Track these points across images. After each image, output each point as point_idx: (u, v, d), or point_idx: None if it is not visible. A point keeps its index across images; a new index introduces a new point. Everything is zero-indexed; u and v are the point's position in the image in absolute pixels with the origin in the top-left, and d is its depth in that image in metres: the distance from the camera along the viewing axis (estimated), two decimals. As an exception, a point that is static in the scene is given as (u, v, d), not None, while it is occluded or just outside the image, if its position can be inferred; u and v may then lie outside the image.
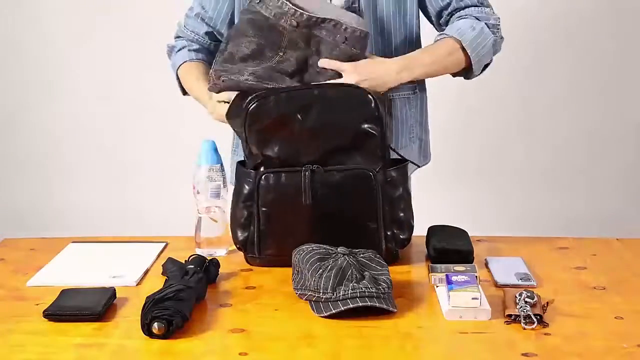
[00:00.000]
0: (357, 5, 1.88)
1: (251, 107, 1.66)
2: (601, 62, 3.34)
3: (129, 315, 1.49)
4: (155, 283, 1.63)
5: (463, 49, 1.86)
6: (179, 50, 2.02)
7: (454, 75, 1.95)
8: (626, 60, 3.34)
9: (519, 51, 3.31)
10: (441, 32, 1.91)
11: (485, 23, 1.90)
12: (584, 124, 3.38)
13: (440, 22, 1.97)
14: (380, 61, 1.81)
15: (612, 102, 3.38)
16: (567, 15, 3.31)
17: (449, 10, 1.93)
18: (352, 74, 1.73)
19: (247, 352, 1.35)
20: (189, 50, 2.01)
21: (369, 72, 1.75)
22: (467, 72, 1.92)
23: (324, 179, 1.66)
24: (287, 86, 1.70)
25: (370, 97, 1.67)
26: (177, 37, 2.06)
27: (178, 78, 2.03)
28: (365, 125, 1.67)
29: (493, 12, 1.95)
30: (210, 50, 2.02)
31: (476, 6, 1.93)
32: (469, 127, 3.39)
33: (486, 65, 1.94)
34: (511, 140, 3.41)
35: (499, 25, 1.94)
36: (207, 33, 2.01)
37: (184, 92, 2.04)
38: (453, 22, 1.92)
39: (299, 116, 1.66)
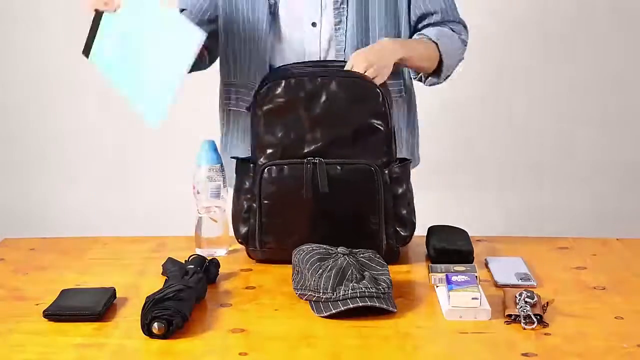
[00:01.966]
0: (345, 5, 1.88)
1: (260, 89, 1.69)
2: (601, 59, 3.34)
3: (129, 315, 1.49)
4: (156, 283, 1.64)
5: (439, 54, 1.92)
6: None
7: (417, 78, 2.02)
8: (628, 58, 3.34)
9: (517, 48, 3.32)
10: (420, 33, 1.96)
11: (459, 37, 1.99)
12: (584, 124, 3.38)
13: (417, 27, 1.99)
14: (377, 44, 1.83)
15: (612, 101, 3.38)
16: (565, 12, 3.31)
17: (433, 20, 1.97)
18: (360, 61, 1.73)
19: (247, 352, 1.35)
20: None
21: (374, 55, 1.75)
22: (432, 76, 1.98)
23: (326, 172, 1.66)
24: (300, 71, 1.71)
25: (378, 90, 1.68)
26: None
27: None
28: (371, 120, 1.68)
29: (466, 30, 2.03)
30: None
31: (454, 22, 2.00)
32: (470, 127, 3.39)
33: (447, 76, 2.01)
34: (512, 140, 3.41)
35: (467, 42, 2.03)
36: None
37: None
38: (432, 28, 1.97)
39: (304, 103, 1.67)
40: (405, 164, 1.74)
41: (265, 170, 1.69)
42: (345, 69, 1.74)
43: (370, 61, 1.74)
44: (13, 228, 2.76)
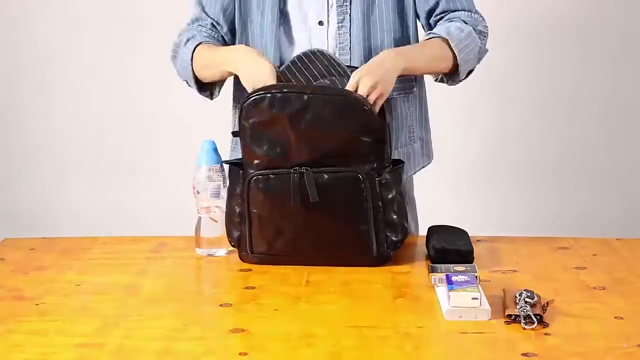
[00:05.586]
0: (347, 3, 1.88)
1: (246, 102, 1.67)
2: (605, 60, 3.33)
3: (129, 315, 1.49)
4: (156, 283, 1.64)
5: (451, 50, 1.87)
6: (187, 42, 1.93)
7: (439, 79, 1.98)
8: (632, 59, 3.33)
9: (523, 48, 3.31)
10: (429, 32, 1.92)
11: (473, 28, 1.91)
12: (585, 125, 3.38)
13: (429, 22, 1.97)
14: (377, 57, 1.77)
15: (614, 103, 3.38)
16: (574, 12, 3.30)
17: (438, 11, 1.94)
18: (366, 82, 1.68)
19: (247, 352, 1.35)
20: (200, 36, 1.92)
21: (377, 73, 1.70)
22: (452, 75, 1.94)
23: (313, 181, 1.65)
24: (286, 84, 1.70)
25: (365, 107, 1.65)
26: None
27: (192, 67, 1.91)
28: (359, 136, 1.66)
29: (482, 20, 1.96)
30: (218, 39, 1.96)
31: (466, 11, 1.94)
32: (470, 126, 3.39)
33: (470, 71, 1.96)
34: (512, 140, 3.41)
35: (486, 32, 1.96)
36: (212, 25, 1.96)
37: (199, 87, 1.95)
38: (442, 24, 1.93)
39: (290, 119, 1.65)
40: (397, 169, 1.73)
41: (253, 179, 1.69)
42: (348, 87, 1.68)
43: (376, 80, 1.68)
44: (13, 228, 2.76)
